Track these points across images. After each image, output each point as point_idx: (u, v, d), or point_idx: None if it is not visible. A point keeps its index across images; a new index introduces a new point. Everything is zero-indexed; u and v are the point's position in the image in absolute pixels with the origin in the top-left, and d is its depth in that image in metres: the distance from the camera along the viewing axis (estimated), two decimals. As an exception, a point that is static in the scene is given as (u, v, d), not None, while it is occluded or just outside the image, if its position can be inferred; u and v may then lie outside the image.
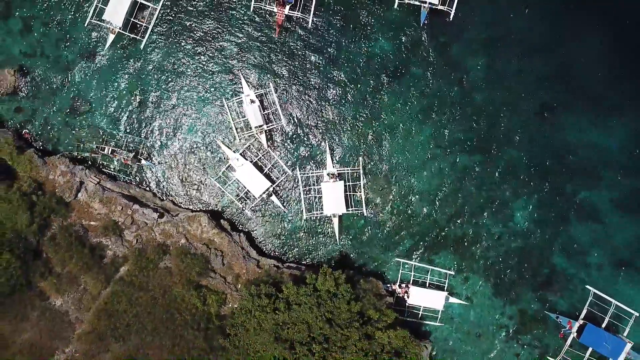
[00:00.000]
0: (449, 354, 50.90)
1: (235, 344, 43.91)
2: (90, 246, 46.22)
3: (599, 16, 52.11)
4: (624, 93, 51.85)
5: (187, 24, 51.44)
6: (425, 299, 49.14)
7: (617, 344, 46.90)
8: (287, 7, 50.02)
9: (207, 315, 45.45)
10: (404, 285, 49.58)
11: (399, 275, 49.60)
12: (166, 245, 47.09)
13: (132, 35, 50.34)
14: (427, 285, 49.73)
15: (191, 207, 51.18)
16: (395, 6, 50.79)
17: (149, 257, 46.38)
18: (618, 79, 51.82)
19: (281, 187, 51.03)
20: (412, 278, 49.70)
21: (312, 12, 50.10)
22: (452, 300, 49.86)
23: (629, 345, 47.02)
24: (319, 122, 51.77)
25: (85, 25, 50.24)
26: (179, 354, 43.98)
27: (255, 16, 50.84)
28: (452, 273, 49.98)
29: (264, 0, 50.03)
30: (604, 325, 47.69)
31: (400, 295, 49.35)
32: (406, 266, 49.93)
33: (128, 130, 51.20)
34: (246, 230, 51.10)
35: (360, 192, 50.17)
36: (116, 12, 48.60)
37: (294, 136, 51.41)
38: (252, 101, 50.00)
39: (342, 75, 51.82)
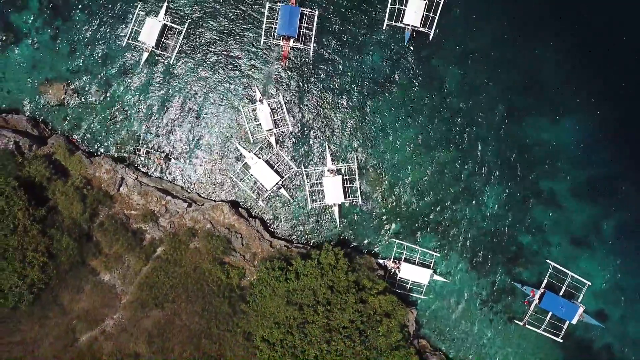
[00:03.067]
0: (432, 319, 53.73)
1: (254, 308, 47.06)
2: (132, 231, 49.23)
3: (553, 33, 54.74)
4: (576, 97, 54.60)
5: (208, 45, 54.70)
6: (413, 274, 52.51)
7: (571, 308, 50.56)
8: (291, 40, 53.62)
9: (230, 286, 48.34)
10: (396, 261, 53.01)
11: (393, 253, 52.87)
12: (195, 229, 49.93)
13: (162, 53, 53.81)
14: (416, 263, 52.93)
15: (214, 198, 54.03)
16: (384, 28, 54.23)
17: (181, 239, 49.23)
18: (571, 85, 54.59)
19: (289, 181, 54.10)
20: (403, 256, 52.99)
21: (312, 43, 53.48)
22: (436, 277, 53.06)
23: (581, 309, 50.67)
24: (320, 126, 54.81)
25: (123, 45, 53.68)
26: (208, 317, 46.66)
27: (267, 45, 54.65)
28: (438, 255, 53.24)
29: (271, 36, 53.66)
30: (561, 293, 51.19)
31: (393, 270, 52.86)
32: (399, 245, 52.99)
33: (160, 134, 54.34)
34: (260, 216, 54.03)
35: (356, 184, 53.55)
36: (150, 34, 52.60)
37: (299, 138, 54.63)
38: (262, 102, 52.96)
39: (339, 87, 54.88)
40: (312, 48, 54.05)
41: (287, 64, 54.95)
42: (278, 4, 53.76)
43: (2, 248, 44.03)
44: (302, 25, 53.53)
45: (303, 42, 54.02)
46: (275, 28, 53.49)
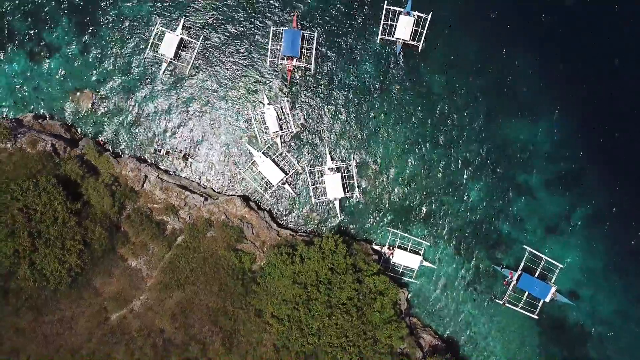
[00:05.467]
0: (422, 300, 57.61)
1: (264, 288, 50.55)
2: (156, 222, 52.61)
3: (527, 45, 58.62)
4: (548, 100, 58.16)
5: (221, 57, 58.61)
6: (405, 259, 56.21)
7: (544, 288, 54.61)
8: (294, 59, 57.41)
9: (242, 269, 51.73)
10: (390, 248, 56.56)
11: (388, 240, 56.36)
12: (211, 220, 53.08)
13: (180, 64, 57.77)
14: (408, 249, 56.42)
15: (227, 192, 57.51)
16: (378, 41, 58.52)
17: (198, 229, 52.37)
18: (542, 90, 58.16)
19: (293, 178, 57.73)
20: (397, 243, 56.60)
21: (313, 61, 57.13)
22: (425, 263, 56.81)
23: (553, 288, 54.70)
24: (321, 129, 58.22)
25: (145, 57, 57.90)
26: (223, 297, 50.16)
27: (273, 64, 58.38)
28: (427, 243, 56.80)
29: (277, 57, 57.69)
30: (536, 275, 55.08)
31: (387, 255, 56.50)
32: (393, 234, 56.26)
33: (178, 136, 57.90)
34: (268, 209, 57.65)
35: (353, 180, 56.78)
36: (169, 47, 56.69)
37: (302, 139, 58.08)
38: (269, 108, 56.22)
39: (338, 93, 58.37)
40: (312, 67, 57.75)
41: (291, 79, 58.80)
42: (282, 28, 58.22)
43: (45, 237, 48.08)
44: (304, 46, 57.45)
45: (305, 60, 57.79)
46: (279, 49, 57.52)
